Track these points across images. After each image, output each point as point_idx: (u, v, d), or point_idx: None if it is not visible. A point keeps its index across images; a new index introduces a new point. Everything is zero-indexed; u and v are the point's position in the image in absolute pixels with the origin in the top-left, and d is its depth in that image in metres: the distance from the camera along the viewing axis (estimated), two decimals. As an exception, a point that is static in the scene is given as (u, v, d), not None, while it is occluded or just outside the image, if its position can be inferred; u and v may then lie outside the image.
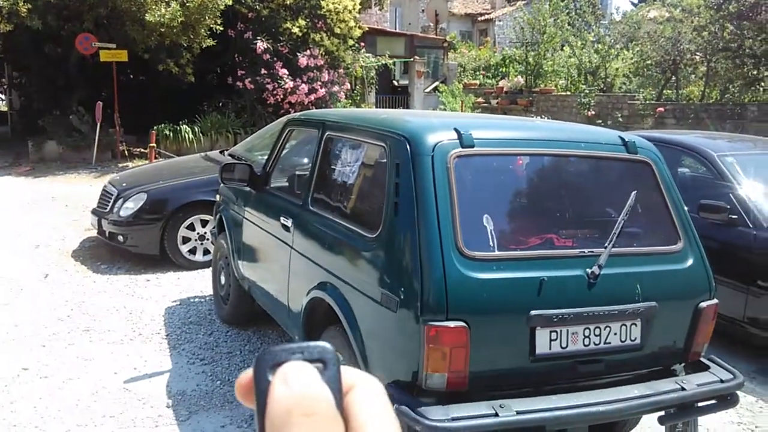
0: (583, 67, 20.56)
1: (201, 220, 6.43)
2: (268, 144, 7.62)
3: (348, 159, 3.41)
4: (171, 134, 13.37)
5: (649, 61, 19.14)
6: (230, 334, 4.87)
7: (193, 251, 6.46)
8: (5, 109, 23.77)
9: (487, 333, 2.54)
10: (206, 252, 6.44)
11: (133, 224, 6.34)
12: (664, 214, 3.02)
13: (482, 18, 31.65)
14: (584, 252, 2.75)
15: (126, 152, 12.91)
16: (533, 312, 2.58)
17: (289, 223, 3.65)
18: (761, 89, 13.87)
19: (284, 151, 4.33)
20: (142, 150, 12.40)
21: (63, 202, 9.34)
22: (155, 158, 10.64)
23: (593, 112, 16.22)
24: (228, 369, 4.30)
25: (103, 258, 6.75)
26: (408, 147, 2.74)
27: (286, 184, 4.14)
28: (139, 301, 5.54)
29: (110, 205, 6.52)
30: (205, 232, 6.44)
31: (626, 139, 3.08)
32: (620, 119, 15.51)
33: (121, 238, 6.40)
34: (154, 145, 10.95)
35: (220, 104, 14.83)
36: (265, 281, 4.17)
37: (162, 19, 11.78)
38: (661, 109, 14.80)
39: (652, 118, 14.81)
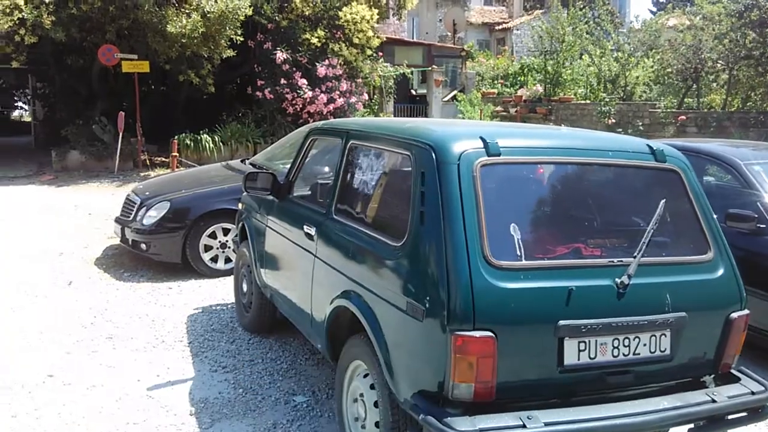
0: (603, 75, 20.46)
1: (223, 229, 6.46)
2: (289, 153, 7.66)
3: (372, 168, 3.41)
4: (192, 143, 13.50)
5: (669, 70, 19.03)
6: (252, 341, 4.87)
7: (214, 259, 6.49)
8: (29, 119, 24.15)
9: (514, 343, 2.52)
10: (228, 260, 6.47)
11: (155, 232, 6.38)
12: (693, 223, 2.98)
13: (500, 27, 31.62)
14: (613, 261, 2.72)
15: (147, 161, 13.06)
16: (561, 322, 2.55)
17: (312, 231, 3.65)
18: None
19: (307, 160, 4.34)
20: (164, 159, 12.54)
21: (86, 211, 9.46)
22: (177, 167, 10.73)
23: (613, 121, 16.12)
24: (250, 377, 4.30)
25: (126, 266, 6.81)
26: (434, 156, 2.73)
27: (309, 192, 4.14)
28: (162, 308, 5.57)
29: (133, 213, 6.58)
30: (227, 241, 6.47)
31: (654, 148, 3.04)
32: (641, 128, 15.41)
33: (143, 246, 6.45)
34: (177, 154, 11.05)
35: (240, 114, 14.95)
36: (288, 289, 4.17)
37: (183, 30, 11.92)
38: (683, 117, 14.69)
39: (674, 127, 14.70)
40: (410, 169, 2.89)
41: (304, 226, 3.75)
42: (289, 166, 6.97)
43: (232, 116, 14.87)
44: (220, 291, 6.04)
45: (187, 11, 12.30)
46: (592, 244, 2.79)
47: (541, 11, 29.56)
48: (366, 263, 3.09)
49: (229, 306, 5.60)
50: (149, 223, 6.38)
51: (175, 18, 12.04)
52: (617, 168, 2.99)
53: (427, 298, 2.56)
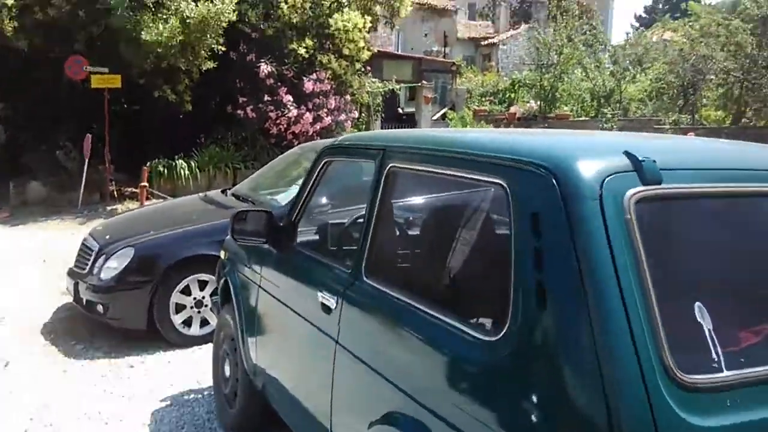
0: (597, 90, 19.72)
1: (199, 281, 5.16)
2: (275, 182, 6.48)
3: (432, 205, 2.25)
4: (165, 171, 12.22)
5: (662, 85, 18.31)
6: (238, 451, 3.60)
7: (188, 322, 5.16)
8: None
9: None
10: (204, 323, 5.18)
11: (116, 289, 5.03)
12: None
13: (485, 42, 30.76)
14: None
15: (116, 193, 11.74)
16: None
17: (331, 302, 2.46)
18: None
19: (319, 194, 3.15)
20: (134, 189, 11.24)
21: (40, 256, 8.06)
22: (147, 199, 9.49)
23: (618, 137, 15.22)
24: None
25: (80, 334, 5.38)
26: (555, 184, 1.59)
27: (324, 241, 2.98)
28: (120, 401, 4.20)
29: (90, 264, 5.25)
30: (203, 297, 5.17)
31: None
32: (647, 144, 14.51)
33: (101, 308, 5.08)
34: (146, 184, 9.78)
35: (219, 136, 13.73)
36: (292, 385, 2.96)
37: (159, 38, 10.73)
38: (692, 133, 13.84)
39: (682, 142, 13.79)
40: (507, 207, 1.75)
41: (319, 294, 2.56)
42: (279, 196, 5.91)
43: (210, 138, 13.63)
44: (195, 368, 4.69)
45: (164, 16, 11.09)
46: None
47: (527, 25, 28.76)
48: (429, 366, 1.92)
49: (206, 393, 4.29)
50: (108, 278, 5.04)
51: (151, 24, 10.80)
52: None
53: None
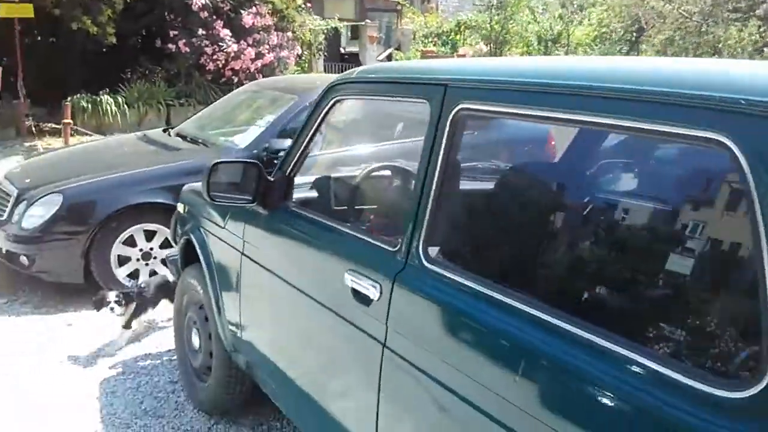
0: (544, 34, 19.32)
1: (145, 231, 4.43)
2: (226, 122, 5.71)
3: (556, 169, 1.57)
4: (90, 106, 10.98)
5: (604, 29, 18.09)
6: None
7: (134, 275, 4.46)
8: None
9: None
10: (154, 275, 4.48)
11: (42, 240, 4.26)
12: None
13: (423, -16, 29.87)
14: None
15: (34, 128, 10.49)
16: None
17: (372, 292, 1.77)
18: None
19: (325, 142, 2.42)
20: (55, 125, 10.03)
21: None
22: (71, 137, 8.40)
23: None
24: None
25: (1, 285, 4.62)
26: None
27: (339, 203, 2.26)
28: (57, 369, 3.50)
29: (8, 210, 4.43)
30: (151, 248, 4.46)
31: None
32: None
33: (24, 259, 4.31)
34: (70, 121, 8.65)
35: (147, 71, 12.51)
36: (303, 382, 2.28)
37: None
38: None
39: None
40: (730, 178, 1.11)
41: (347, 276, 1.86)
42: (236, 138, 5.10)
43: (137, 74, 12.42)
44: (148, 329, 4.03)
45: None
46: None
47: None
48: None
49: (165, 359, 3.61)
50: (32, 226, 4.25)
51: (63, -53, 9.63)
52: None
53: None
